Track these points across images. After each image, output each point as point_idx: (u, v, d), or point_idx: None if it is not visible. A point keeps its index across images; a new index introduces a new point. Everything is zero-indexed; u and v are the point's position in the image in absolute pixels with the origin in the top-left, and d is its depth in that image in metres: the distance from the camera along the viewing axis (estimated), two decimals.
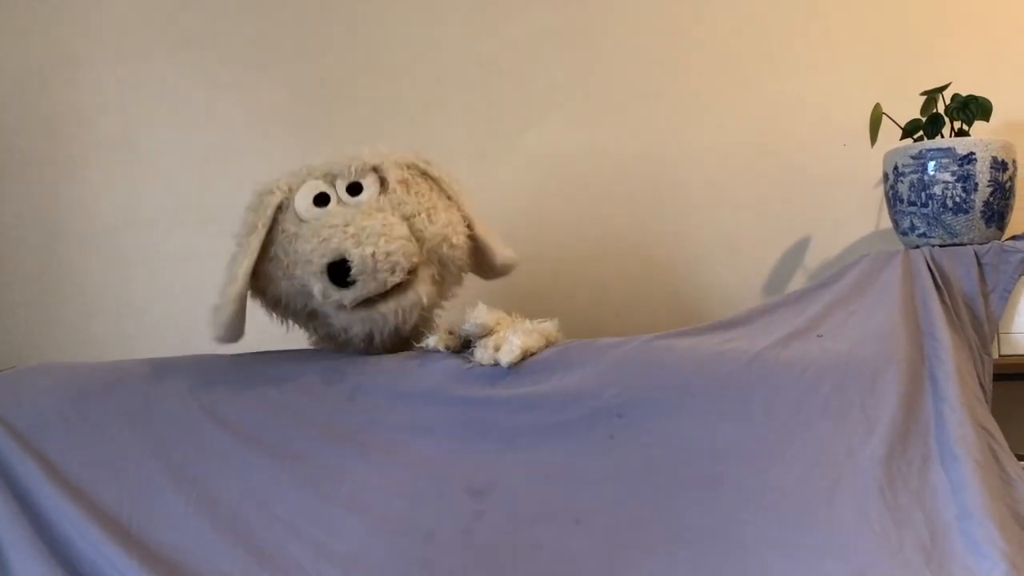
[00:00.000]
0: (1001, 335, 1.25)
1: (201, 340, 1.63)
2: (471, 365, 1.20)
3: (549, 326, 1.26)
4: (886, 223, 1.46)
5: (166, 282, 1.76)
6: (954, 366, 1.12)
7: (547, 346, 1.23)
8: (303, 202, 1.24)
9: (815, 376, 1.11)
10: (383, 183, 1.25)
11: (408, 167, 1.27)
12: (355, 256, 1.16)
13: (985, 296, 1.23)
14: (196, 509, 1.12)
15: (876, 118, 1.38)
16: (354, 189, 1.25)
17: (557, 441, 1.12)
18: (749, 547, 1.01)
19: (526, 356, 1.20)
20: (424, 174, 1.28)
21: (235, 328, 1.23)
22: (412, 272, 1.21)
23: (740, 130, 1.62)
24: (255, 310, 1.71)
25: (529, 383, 1.17)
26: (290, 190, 1.26)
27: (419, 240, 1.23)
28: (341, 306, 1.21)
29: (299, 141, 1.73)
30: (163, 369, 1.27)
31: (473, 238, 1.30)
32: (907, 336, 1.15)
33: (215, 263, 1.73)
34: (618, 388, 1.14)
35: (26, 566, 1.08)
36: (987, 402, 1.16)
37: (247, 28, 1.76)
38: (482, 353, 1.20)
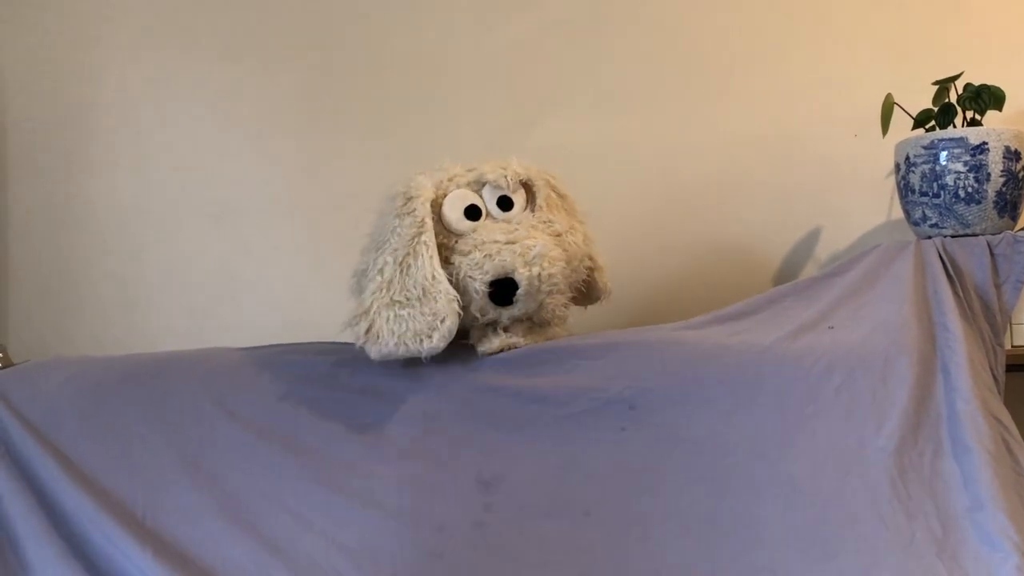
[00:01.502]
0: (1014, 326, 1.24)
1: (214, 333, 1.65)
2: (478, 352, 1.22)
3: (555, 332, 1.26)
4: (897, 214, 1.45)
5: (179, 275, 1.76)
6: (966, 357, 1.12)
7: (539, 339, 1.23)
8: (453, 212, 1.20)
9: (826, 368, 1.11)
10: (530, 198, 1.23)
11: (548, 184, 1.25)
12: (523, 278, 1.14)
13: (997, 287, 1.22)
14: (209, 501, 1.12)
15: (888, 108, 1.37)
16: (504, 203, 1.22)
17: (567, 433, 1.12)
18: (760, 539, 1.01)
19: (505, 347, 1.20)
20: (556, 190, 1.26)
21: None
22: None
23: (750, 120, 1.62)
24: (264, 301, 1.73)
25: (540, 375, 1.17)
26: (436, 194, 1.20)
27: (568, 259, 1.21)
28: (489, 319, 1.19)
29: (310, 134, 1.73)
30: (176, 363, 1.28)
31: (590, 261, 1.28)
32: (919, 327, 1.15)
33: (228, 256, 1.75)
34: (628, 380, 1.14)
35: (41, 557, 1.10)
36: (999, 393, 1.16)
37: (257, 21, 1.76)
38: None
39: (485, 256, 1.15)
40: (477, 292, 1.15)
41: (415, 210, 1.17)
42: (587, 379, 1.16)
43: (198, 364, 1.27)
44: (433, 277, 1.14)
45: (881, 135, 1.37)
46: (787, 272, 1.60)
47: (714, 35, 1.64)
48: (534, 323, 1.23)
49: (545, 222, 1.21)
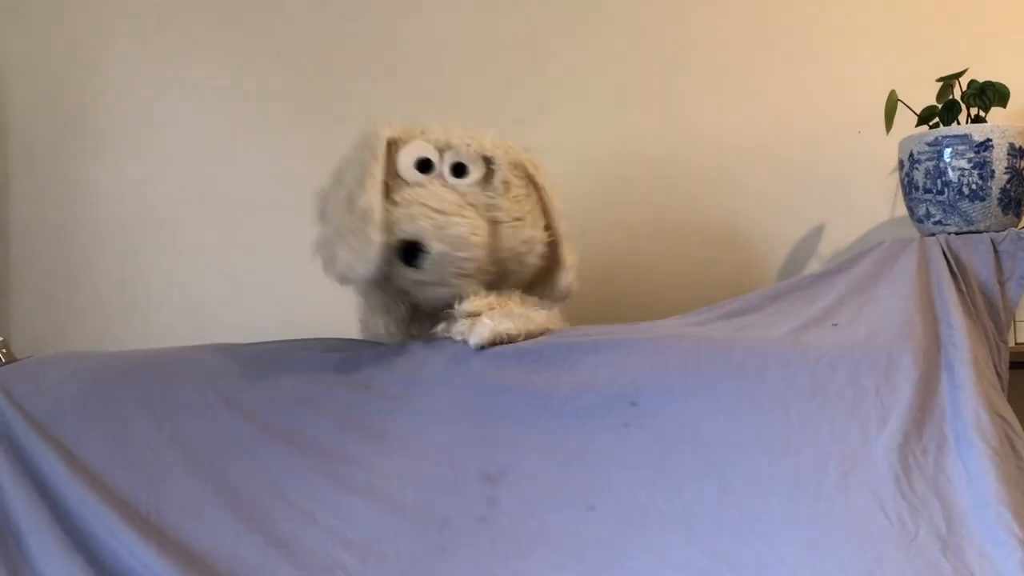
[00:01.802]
0: (1018, 323, 1.24)
1: (215, 330, 1.65)
2: (446, 337, 1.22)
3: (543, 314, 1.26)
4: (901, 211, 1.45)
5: (180, 273, 1.76)
6: (970, 354, 1.11)
7: (536, 333, 1.22)
8: (407, 159, 1.21)
9: (829, 364, 1.11)
10: (488, 175, 1.23)
11: (516, 167, 1.24)
12: (434, 249, 1.16)
13: (1001, 284, 1.22)
14: (212, 496, 1.12)
15: (891, 105, 1.37)
16: (459, 170, 1.22)
17: (571, 428, 1.12)
18: (763, 535, 1.01)
19: (499, 340, 1.19)
20: (529, 178, 1.26)
21: (378, 264, 1.17)
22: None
23: (754, 117, 1.61)
24: (266, 299, 1.73)
25: (543, 370, 1.17)
26: (399, 139, 1.22)
27: (494, 248, 1.22)
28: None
29: (312, 131, 1.73)
30: (179, 357, 1.28)
31: (551, 256, 1.28)
32: (923, 324, 1.15)
33: (229, 254, 1.75)
34: (632, 376, 1.14)
35: (45, 553, 1.09)
36: (1003, 390, 1.16)
37: (260, 18, 1.76)
38: (456, 328, 1.21)
39: (405, 215, 1.16)
40: (391, 244, 1.16)
41: (372, 145, 1.20)
42: (590, 374, 1.15)
43: (201, 360, 1.27)
44: (371, 207, 1.16)
45: (885, 132, 1.37)
46: (791, 268, 1.60)
47: (718, 31, 1.64)
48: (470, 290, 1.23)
49: (489, 204, 1.21)
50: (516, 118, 1.67)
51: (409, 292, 1.24)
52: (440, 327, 1.24)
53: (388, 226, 1.17)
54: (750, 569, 0.98)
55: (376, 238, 1.14)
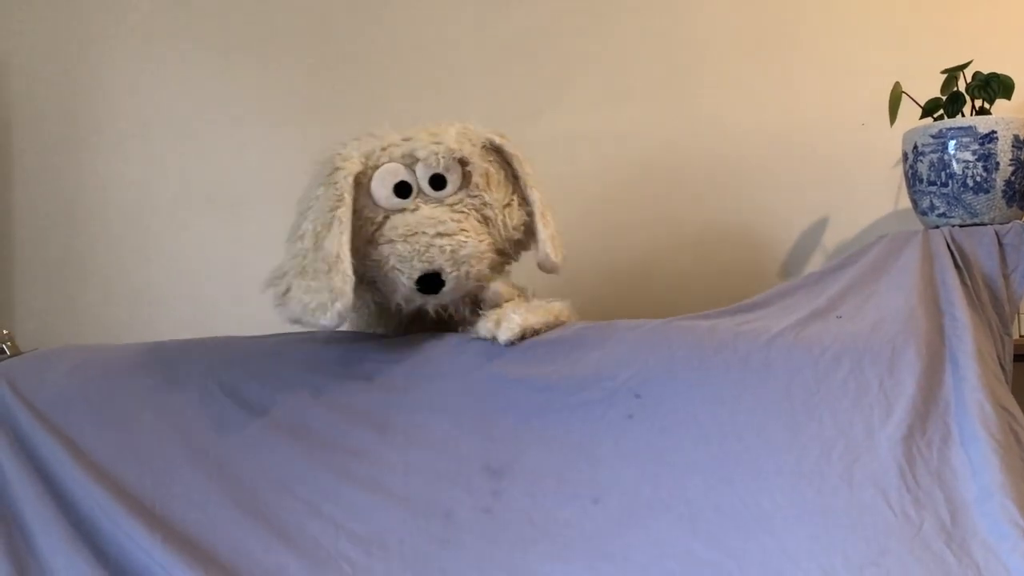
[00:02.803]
0: (1022, 315, 1.24)
1: (219, 323, 1.65)
2: (472, 337, 1.21)
3: (559, 305, 1.26)
4: (905, 203, 1.45)
5: (185, 266, 1.76)
6: (974, 346, 1.11)
7: (554, 325, 1.22)
8: (382, 189, 1.18)
9: (834, 356, 1.11)
10: (466, 176, 1.21)
11: (484, 148, 1.22)
12: (450, 278, 1.16)
13: (1006, 276, 1.22)
14: (218, 489, 1.13)
15: (895, 97, 1.36)
16: (437, 181, 1.20)
17: (575, 421, 1.12)
18: (767, 527, 1.01)
19: (526, 335, 1.19)
20: (499, 151, 1.23)
21: (350, 311, 1.14)
22: None
23: (758, 110, 1.61)
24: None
25: (547, 363, 1.17)
26: (365, 167, 1.18)
27: (495, 241, 1.22)
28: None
29: (315, 125, 1.73)
30: (184, 351, 1.28)
31: (526, 231, 1.25)
32: (926, 317, 1.14)
33: (233, 247, 1.75)
34: (636, 368, 1.14)
35: (51, 545, 1.10)
36: (1007, 382, 1.16)
37: (262, 12, 1.76)
38: (483, 325, 1.20)
39: (414, 251, 1.15)
40: (404, 285, 1.16)
41: (337, 183, 1.17)
42: (594, 367, 1.16)
43: (206, 352, 1.27)
44: (338, 256, 1.13)
45: (889, 124, 1.37)
46: (795, 261, 1.60)
47: (721, 24, 1.64)
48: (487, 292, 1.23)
49: (477, 206, 1.21)
50: (519, 113, 1.67)
51: (408, 303, 1.21)
52: (460, 330, 1.24)
53: (391, 273, 1.15)
54: (754, 561, 0.98)
55: (348, 290, 1.12)
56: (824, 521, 1.00)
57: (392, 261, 1.16)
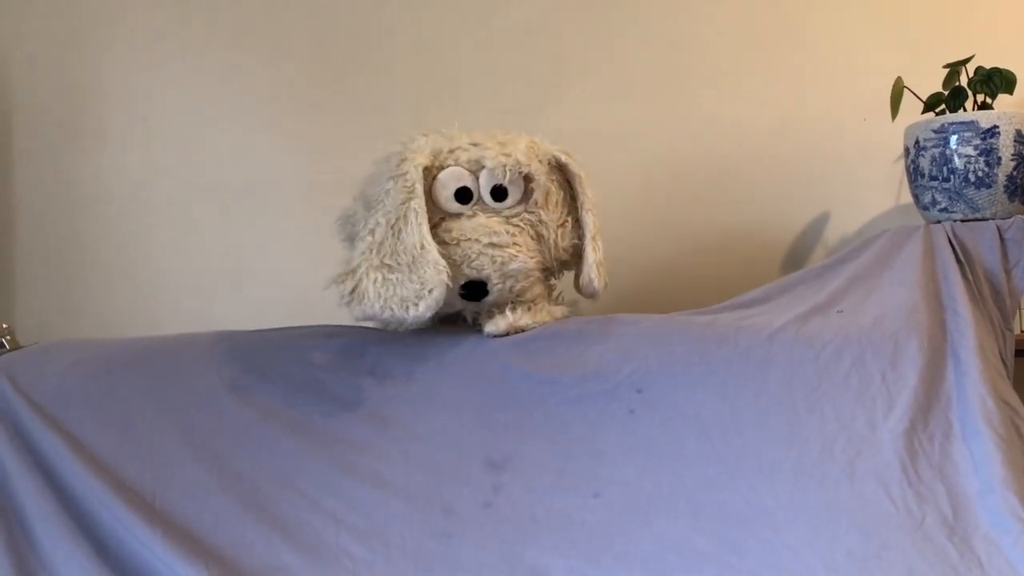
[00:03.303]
0: (1023, 310, 1.24)
1: (221, 317, 1.65)
2: (474, 332, 1.22)
3: (560, 310, 1.26)
4: (907, 198, 1.45)
5: (186, 260, 1.76)
6: (976, 341, 1.11)
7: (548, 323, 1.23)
8: (444, 191, 1.19)
9: (835, 351, 1.11)
10: (527, 192, 1.21)
11: (549, 164, 1.22)
12: (495, 289, 1.17)
13: (1007, 271, 1.22)
14: (218, 483, 1.12)
15: (897, 91, 1.36)
16: (498, 192, 1.20)
17: (576, 415, 1.12)
18: (769, 522, 1.01)
19: (513, 331, 1.20)
20: (563, 169, 1.24)
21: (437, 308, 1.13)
22: None
23: (759, 104, 1.61)
24: (271, 285, 1.73)
25: (549, 357, 1.17)
26: (432, 164, 1.19)
27: (544, 259, 1.23)
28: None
29: (316, 119, 1.73)
30: (185, 344, 1.28)
31: (578, 248, 1.25)
32: (928, 311, 1.15)
33: (234, 240, 1.75)
34: (637, 363, 1.14)
35: (52, 539, 1.09)
36: (1009, 377, 1.16)
37: (264, 6, 1.76)
38: (493, 323, 1.21)
39: (464, 256, 1.16)
40: (449, 287, 1.15)
41: (407, 173, 1.16)
42: (596, 362, 1.16)
43: (206, 346, 1.26)
44: (422, 246, 1.13)
45: (890, 119, 1.37)
46: (796, 256, 1.60)
47: (723, 20, 1.63)
48: (525, 301, 1.23)
49: (533, 223, 1.21)
50: (519, 109, 1.66)
51: (447, 307, 1.19)
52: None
53: (443, 265, 1.14)
54: (756, 555, 0.98)
55: (443, 278, 1.12)
56: (826, 515, 1.00)
57: (445, 257, 1.15)
